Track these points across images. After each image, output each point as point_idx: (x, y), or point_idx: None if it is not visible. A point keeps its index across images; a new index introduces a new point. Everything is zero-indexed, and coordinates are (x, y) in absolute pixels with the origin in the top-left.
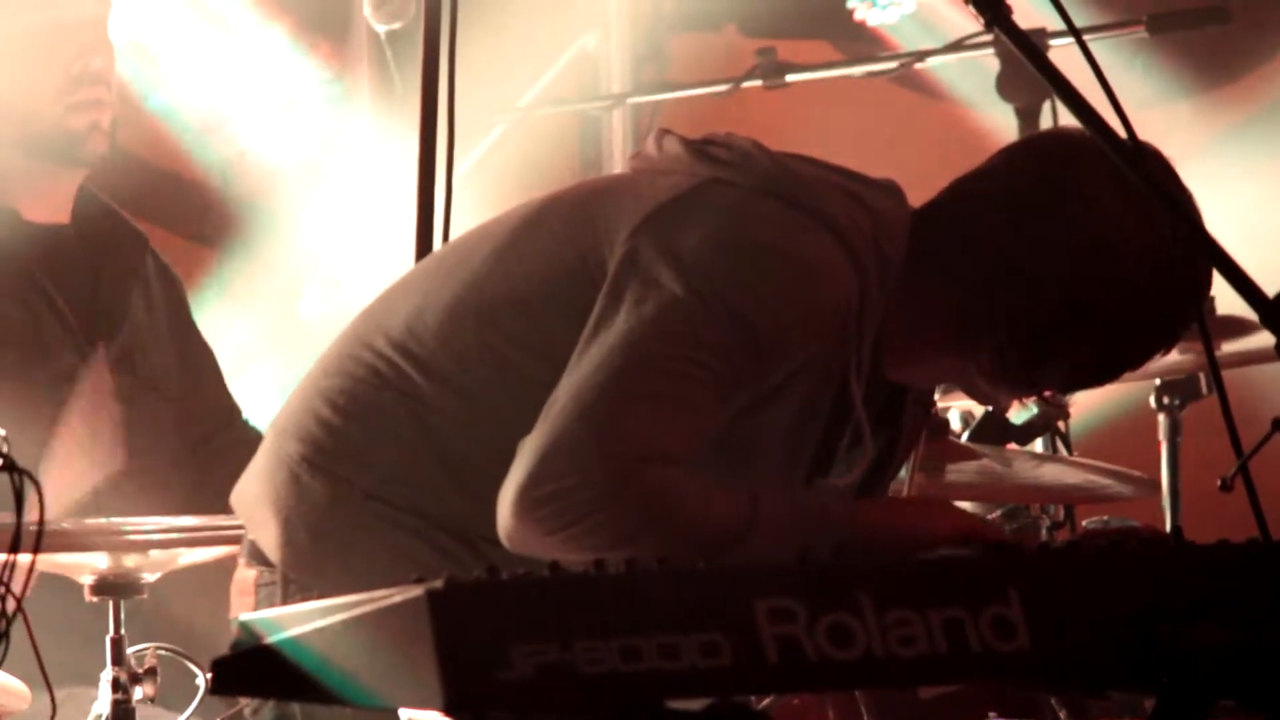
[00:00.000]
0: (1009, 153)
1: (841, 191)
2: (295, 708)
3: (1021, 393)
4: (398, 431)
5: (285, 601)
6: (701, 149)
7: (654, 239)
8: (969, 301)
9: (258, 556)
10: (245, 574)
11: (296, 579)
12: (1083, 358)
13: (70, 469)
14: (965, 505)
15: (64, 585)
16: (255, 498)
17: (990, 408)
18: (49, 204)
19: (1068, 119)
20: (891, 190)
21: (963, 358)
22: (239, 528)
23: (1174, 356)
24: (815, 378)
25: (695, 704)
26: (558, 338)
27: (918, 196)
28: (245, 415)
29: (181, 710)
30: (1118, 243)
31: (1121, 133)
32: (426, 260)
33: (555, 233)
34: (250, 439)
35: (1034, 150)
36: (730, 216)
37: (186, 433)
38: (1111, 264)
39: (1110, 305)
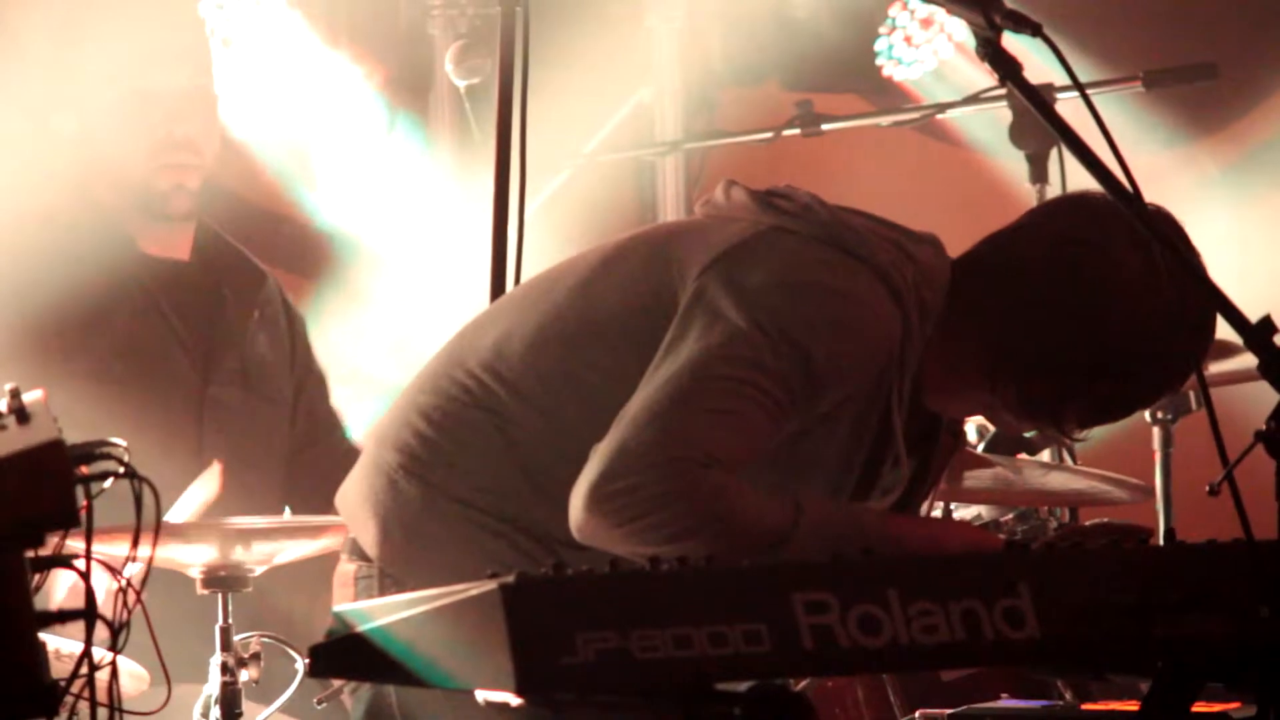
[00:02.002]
0: (1039, 213)
1: (889, 243)
2: (389, 689)
3: (1044, 428)
4: (485, 444)
5: (382, 593)
6: (766, 199)
7: (722, 277)
8: (1000, 345)
9: (358, 552)
10: (346, 568)
11: (392, 573)
12: (1101, 398)
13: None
14: (981, 508)
15: (178, 582)
16: (356, 500)
17: None
18: (163, 243)
19: (1073, 164)
20: (933, 243)
21: (992, 394)
22: (335, 526)
23: None
24: (861, 406)
25: (740, 686)
26: (631, 364)
27: (937, 230)
28: (347, 429)
29: (281, 692)
30: (1136, 297)
31: (1122, 176)
32: (513, 291)
33: (632, 271)
34: (345, 450)
35: (1061, 211)
36: (791, 260)
37: (291, 444)
38: (1130, 316)
39: (1128, 354)
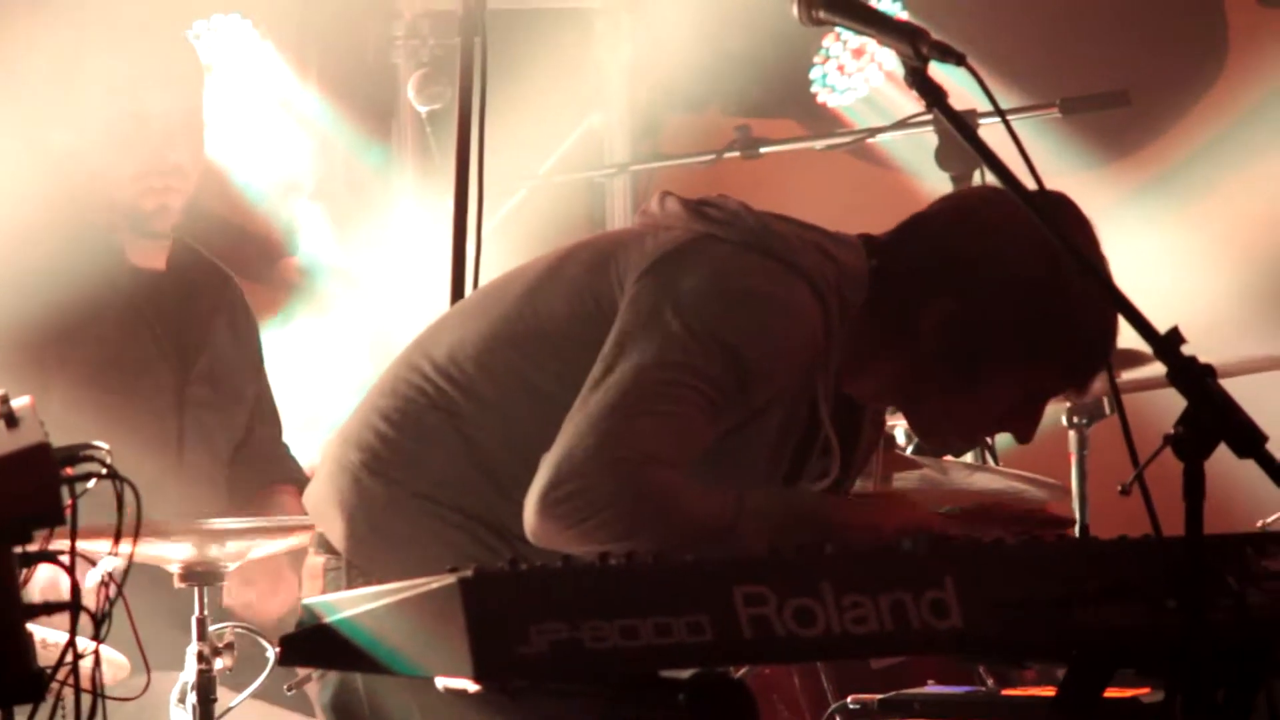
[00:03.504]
0: (951, 204)
1: (812, 245)
2: (356, 676)
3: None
4: (443, 443)
5: (349, 585)
6: (698, 208)
7: (656, 284)
8: (918, 333)
9: (326, 546)
10: (315, 561)
11: (358, 566)
12: (1009, 381)
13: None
14: None
15: (157, 577)
16: (324, 497)
17: None
18: (147, 255)
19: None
20: (854, 246)
21: (914, 382)
22: (303, 525)
23: None
24: (790, 401)
25: (683, 673)
26: (577, 367)
27: None
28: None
29: (254, 679)
30: (1030, 278)
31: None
32: (466, 299)
33: (576, 278)
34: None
35: (960, 202)
36: (721, 266)
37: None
38: (1038, 304)
39: (1038, 339)
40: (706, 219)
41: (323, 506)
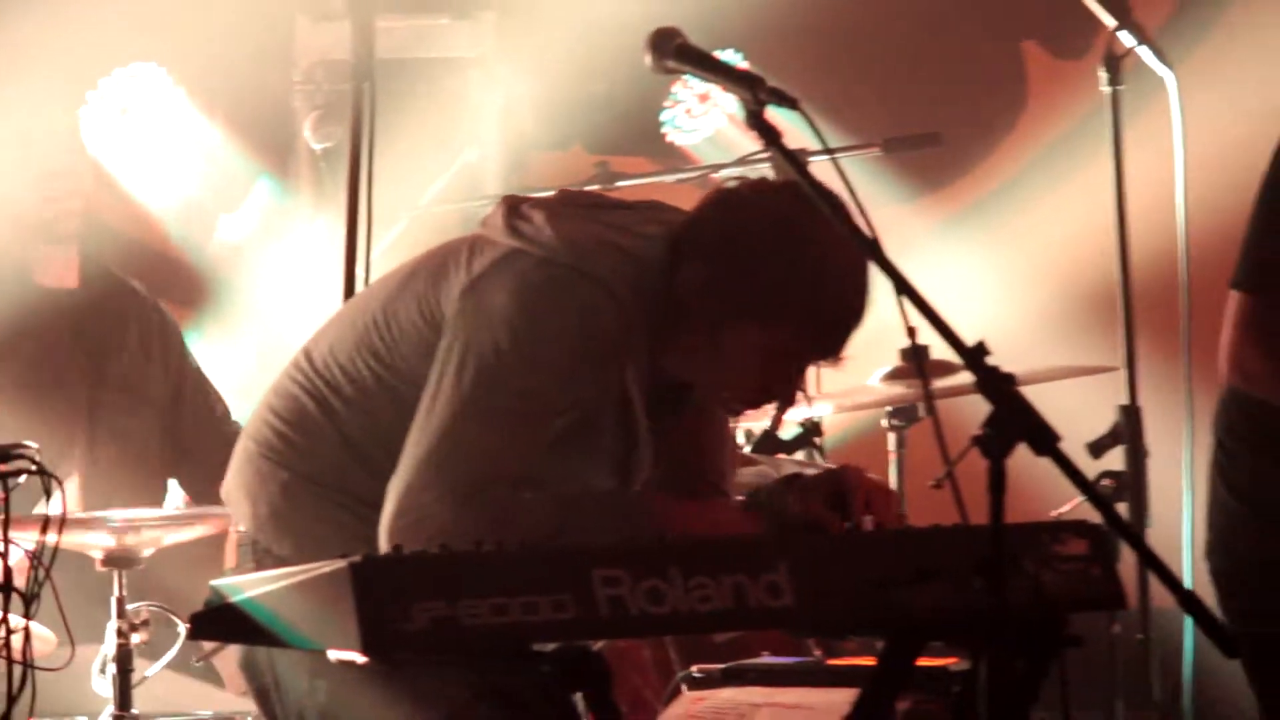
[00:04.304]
0: (742, 192)
1: (610, 247)
2: (260, 650)
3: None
4: (322, 435)
5: (256, 560)
6: (511, 222)
7: (471, 305)
8: (706, 309)
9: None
10: (234, 537)
11: (263, 544)
12: (751, 342)
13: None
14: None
15: (81, 561)
16: (233, 485)
17: (768, 427)
18: (56, 273)
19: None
20: (654, 237)
21: (714, 357)
22: (210, 516)
23: (900, 390)
24: (606, 397)
25: (548, 646)
26: (421, 372)
27: None
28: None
29: (166, 652)
30: (766, 247)
31: (863, 224)
32: (341, 308)
33: (419, 290)
34: (229, 429)
35: (730, 188)
36: (524, 281)
37: (170, 438)
38: (759, 263)
39: (762, 296)
40: (517, 233)
41: (233, 493)
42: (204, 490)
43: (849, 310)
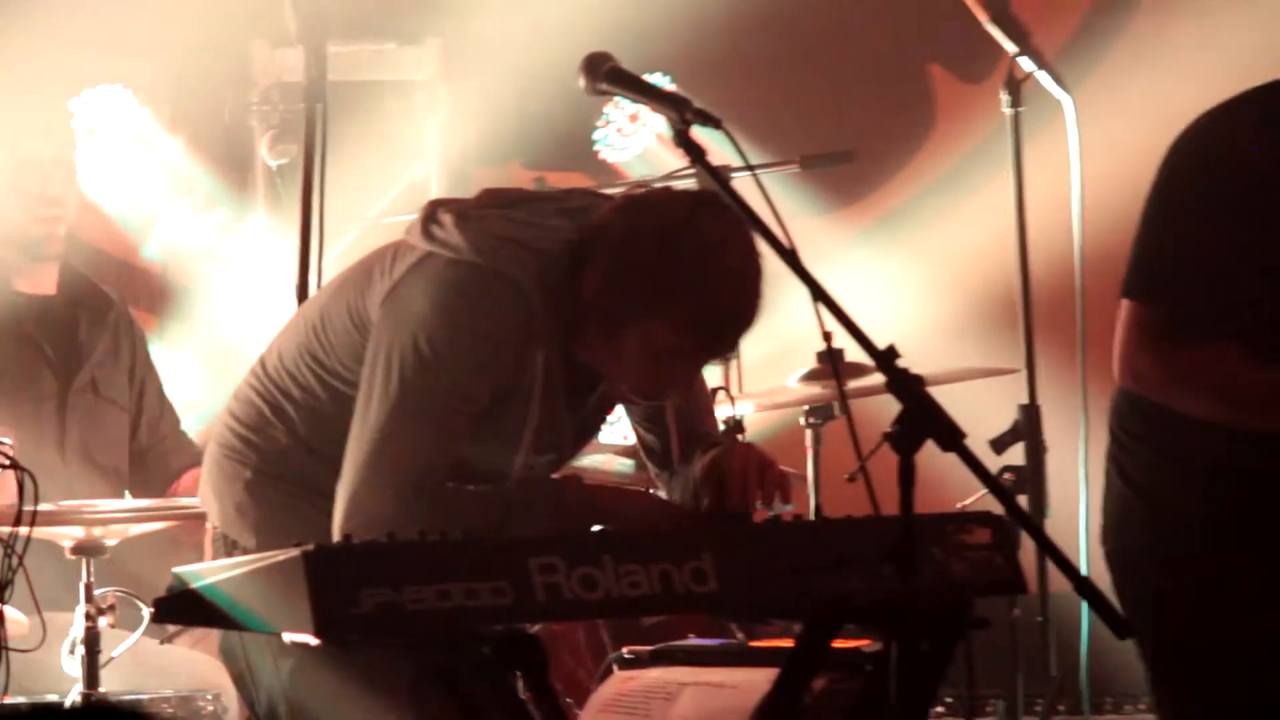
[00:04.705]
0: (645, 198)
1: (514, 244)
2: (234, 637)
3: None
4: (277, 434)
5: (226, 551)
6: (427, 227)
7: (394, 308)
8: (605, 308)
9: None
10: (209, 529)
11: (231, 536)
12: (639, 337)
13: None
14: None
15: (52, 549)
16: (204, 484)
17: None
18: (35, 281)
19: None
20: (561, 231)
21: (611, 348)
22: (170, 511)
23: (816, 390)
24: (517, 386)
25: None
26: (358, 372)
27: None
28: (183, 427)
29: (130, 634)
30: (649, 250)
31: (782, 235)
32: (292, 316)
33: (350, 298)
34: (178, 436)
35: (629, 194)
36: (436, 284)
37: (135, 438)
38: (644, 264)
39: (646, 295)
40: (430, 237)
41: (204, 493)
42: (153, 495)
43: (737, 314)
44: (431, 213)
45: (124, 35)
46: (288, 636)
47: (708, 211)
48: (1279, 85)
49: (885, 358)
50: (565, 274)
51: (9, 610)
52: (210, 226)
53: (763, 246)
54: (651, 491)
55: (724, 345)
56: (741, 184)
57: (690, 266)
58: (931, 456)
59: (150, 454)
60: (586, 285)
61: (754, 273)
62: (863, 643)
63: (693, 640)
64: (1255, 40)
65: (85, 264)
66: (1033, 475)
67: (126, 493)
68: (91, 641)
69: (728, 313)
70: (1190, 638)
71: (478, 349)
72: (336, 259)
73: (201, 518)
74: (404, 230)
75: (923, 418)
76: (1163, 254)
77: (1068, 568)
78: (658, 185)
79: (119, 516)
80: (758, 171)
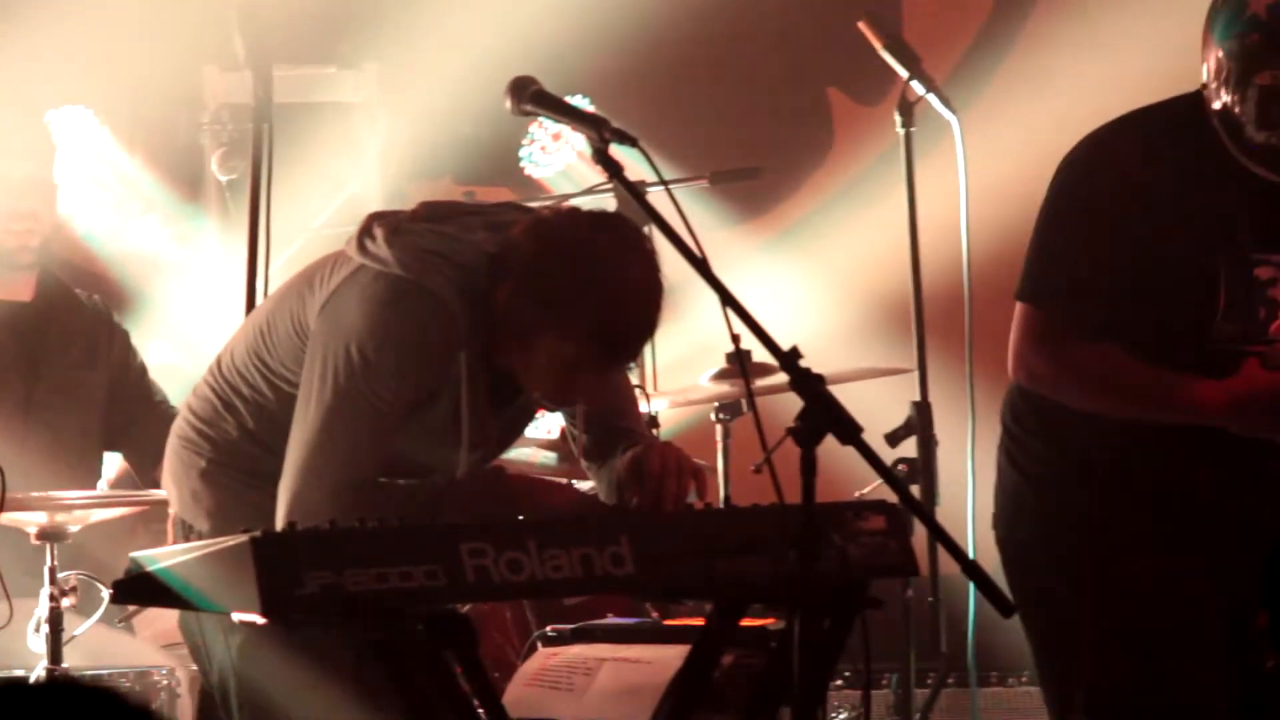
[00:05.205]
0: (554, 216)
1: (439, 258)
2: (191, 615)
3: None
4: (229, 427)
5: (184, 536)
6: (362, 240)
7: (328, 322)
8: (515, 322)
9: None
10: (171, 514)
11: (188, 521)
12: (547, 349)
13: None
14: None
15: (18, 535)
16: (165, 473)
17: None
18: (12, 289)
19: (661, 239)
20: (482, 246)
21: (526, 354)
22: (128, 499)
23: (725, 388)
24: (443, 388)
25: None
26: (299, 374)
27: None
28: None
29: (93, 614)
30: (556, 267)
31: (693, 244)
32: (245, 320)
33: (291, 306)
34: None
35: (548, 220)
36: (366, 296)
37: (110, 429)
38: (550, 281)
39: (553, 310)
40: (363, 250)
41: (165, 481)
42: (147, 466)
43: (637, 326)
44: (367, 227)
45: (86, 60)
46: (237, 616)
47: (606, 231)
48: (1165, 106)
49: (789, 358)
50: (485, 286)
51: None
52: (166, 236)
53: (674, 255)
54: (573, 483)
55: (626, 355)
56: (656, 198)
57: (589, 284)
58: (831, 450)
59: (138, 434)
60: (499, 300)
61: (652, 286)
62: (768, 621)
63: (611, 619)
64: (1132, 66)
65: (71, 272)
66: (924, 467)
67: (108, 479)
68: (55, 621)
69: (627, 326)
70: (1074, 622)
71: (403, 356)
72: (282, 267)
73: (157, 505)
74: (344, 242)
75: (823, 414)
76: (1051, 261)
77: (956, 552)
78: (567, 205)
79: (81, 503)
80: (671, 186)
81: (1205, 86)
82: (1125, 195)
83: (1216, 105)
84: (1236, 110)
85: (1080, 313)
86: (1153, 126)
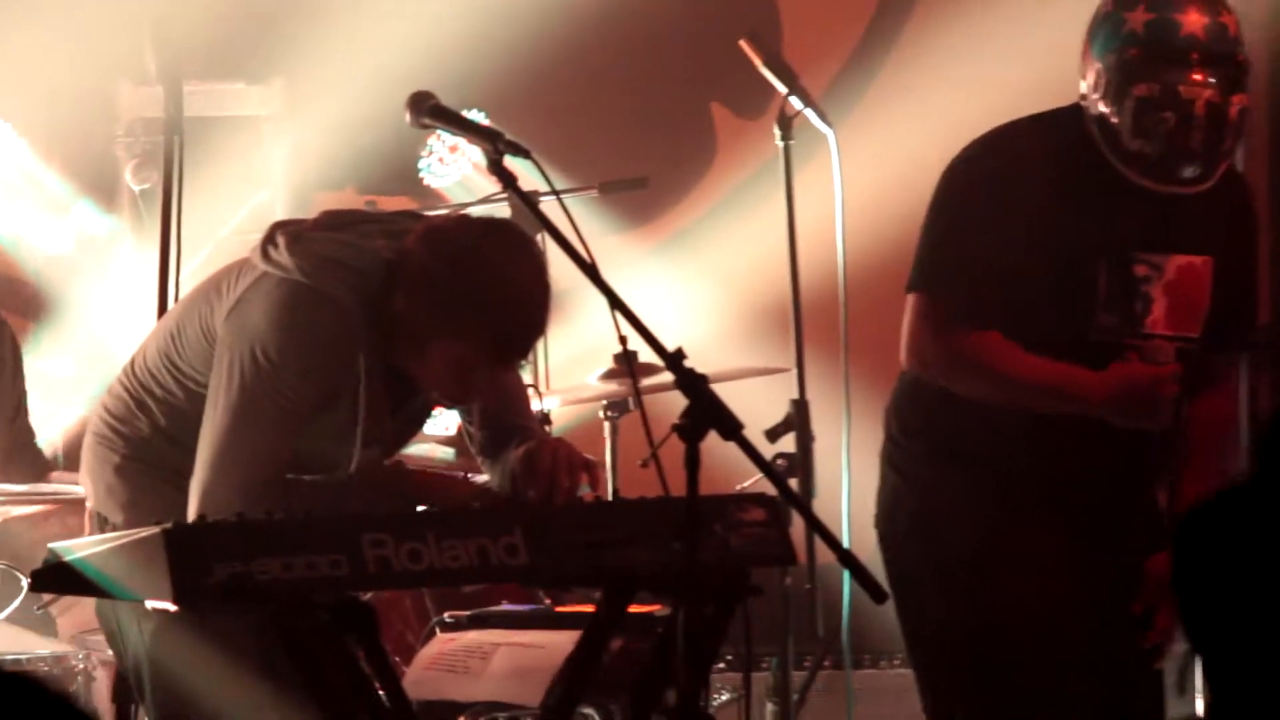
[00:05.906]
0: (443, 225)
1: (337, 265)
2: (106, 602)
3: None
4: (141, 425)
5: (100, 528)
6: (265, 248)
7: (234, 326)
8: (410, 327)
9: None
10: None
11: (103, 513)
12: (441, 351)
13: None
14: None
15: None
16: (82, 469)
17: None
18: None
19: (553, 246)
20: (380, 252)
21: (420, 358)
22: (40, 497)
23: (613, 387)
24: (345, 387)
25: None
26: (208, 375)
27: None
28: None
29: (9, 604)
30: (444, 274)
31: (584, 250)
32: (158, 323)
33: (200, 311)
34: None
35: (440, 226)
36: (270, 301)
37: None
38: (439, 288)
39: (442, 315)
40: (267, 258)
41: (83, 476)
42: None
43: (525, 329)
44: (271, 235)
45: (3, 75)
46: (150, 603)
47: (493, 236)
48: (1048, 115)
49: (674, 359)
50: (382, 290)
51: None
52: (81, 243)
53: (565, 261)
54: (469, 477)
55: (517, 354)
56: (548, 207)
57: (478, 288)
58: (714, 445)
59: (20, 460)
60: (396, 306)
61: (540, 287)
62: (654, 608)
63: (506, 606)
64: (999, 82)
65: None
66: (802, 461)
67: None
68: None
69: (517, 325)
70: (944, 618)
71: (304, 357)
72: (192, 272)
73: (72, 503)
74: (249, 249)
75: (707, 411)
76: (942, 252)
77: (832, 541)
78: (459, 212)
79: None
80: (561, 195)
81: (1084, 98)
82: (1011, 194)
83: (1095, 114)
84: (1114, 120)
85: (971, 301)
86: (1037, 132)
